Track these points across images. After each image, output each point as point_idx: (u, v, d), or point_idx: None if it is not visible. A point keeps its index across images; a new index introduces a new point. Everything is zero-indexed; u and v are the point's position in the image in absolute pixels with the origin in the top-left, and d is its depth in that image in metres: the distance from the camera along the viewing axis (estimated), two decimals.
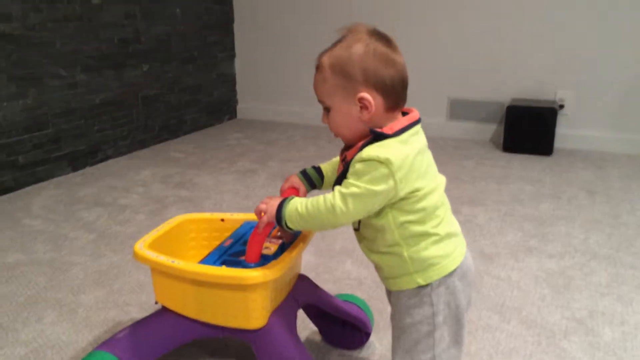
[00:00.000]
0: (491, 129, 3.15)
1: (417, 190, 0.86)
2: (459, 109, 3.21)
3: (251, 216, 1.20)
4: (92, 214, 2.07)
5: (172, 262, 1.01)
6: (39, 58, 2.40)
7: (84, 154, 2.67)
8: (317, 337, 1.31)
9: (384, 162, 0.82)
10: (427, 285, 0.89)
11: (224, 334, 1.05)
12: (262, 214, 0.94)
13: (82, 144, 2.65)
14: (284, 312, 1.04)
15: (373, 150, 0.84)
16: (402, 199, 0.86)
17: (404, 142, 0.87)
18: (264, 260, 1.00)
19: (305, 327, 1.32)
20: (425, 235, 0.88)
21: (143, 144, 3.03)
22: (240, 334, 1.03)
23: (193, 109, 3.40)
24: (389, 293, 0.97)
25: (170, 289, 1.06)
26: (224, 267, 1.02)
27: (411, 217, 0.88)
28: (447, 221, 0.91)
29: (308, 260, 1.68)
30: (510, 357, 1.22)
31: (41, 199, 2.24)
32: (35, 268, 1.65)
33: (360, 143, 0.88)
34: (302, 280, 1.15)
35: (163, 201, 2.21)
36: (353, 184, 0.85)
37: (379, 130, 0.87)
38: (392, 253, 0.90)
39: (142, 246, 1.06)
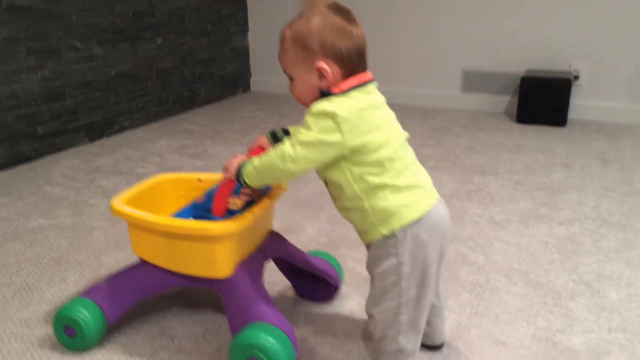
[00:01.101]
0: (505, 101, 3.14)
1: (368, 142, 0.92)
2: (473, 81, 3.20)
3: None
4: (110, 182, 2.13)
5: (145, 215, 1.08)
6: (56, 31, 2.43)
7: (100, 125, 2.71)
8: (290, 291, 1.37)
9: (330, 115, 0.89)
10: (392, 236, 0.94)
11: (194, 284, 1.12)
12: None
13: (98, 115, 2.70)
14: (250, 264, 1.11)
15: (321, 105, 0.91)
16: (355, 152, 0.92)
17: (351, 98, 0.93)
18: (229, 214, 1.09)
19: (279, 280, 1.38)
20: (383, 186, 0.93)
21: (158, 116, 3.07)
22: (209, 283, 1.10)
23: (207, 82, 3.43)
24: (366, 246, 1.03)
25: (144, 241, 1.12)
26: (191, 220, 1.09)
27: (367, 170, 0.93)
28: (407, 174, 0.95)
29: (285, 217, 1.72)
30: (517, 316, 1.26)
31: (61, 168, 2.30)
32: (58, 232, 1.71)
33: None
34: (273, 236, 1.21)
35: (178, 170, 2.26)
36: (302, 133, 0.92)
37: (328, 89, 0.94)
38: (356, 207, 0.96)
39: (118, 201, 1.13)
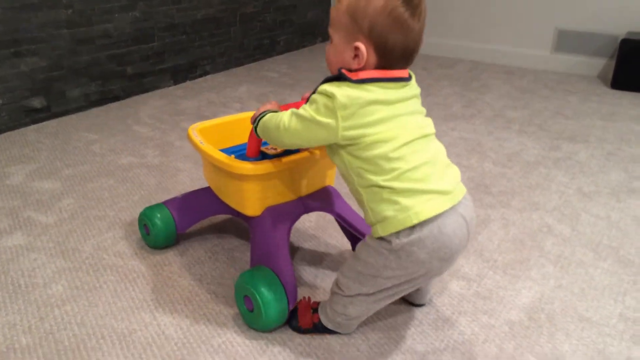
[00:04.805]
0: (600, 64, 2.94)
1: (363, 135, 0.87)
2: (566, 41, 3.01)
3: None
4: None
5: (201, 143, 1.16)
6: None
7: (184, 68, 2.77)
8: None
9: (330, 97, 0.87)
10: (387, 240, 0.89)
11: (237, 215, 1.21)
12: None
13: (183, 58, 2.75)
14: (282, 211, 1.13)
15: (327, 86, 0.88)
16: (350, 144, 0.89)
17: (361, 89, 0.87)
18: (262, 157, 1.12)
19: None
20: (379, 186, 0.88)
21: (238, 62, 3.10)
22: (244, 217, 1.18)
23: (287, 30, 3.41)
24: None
25: (205, 167, 1.25)
26: (232, 156, 1.11)
27: (362, 165, 0.89)
28: (410, 176, 0.88)
29: None
30: (604, 293, 1.21)
31: (147, 109, 2.38)
32: (146, 171, 1.79)
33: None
34: (323, 192, 1.21)
35: None
36: (303, 108, 0.91)
37: (345, 72, 0.89)
38: (358, 200, 0.94)
39: (194, 127, 1.24)
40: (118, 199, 1.61)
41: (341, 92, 0.86)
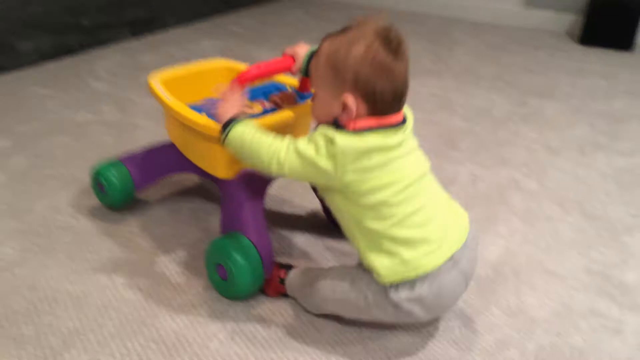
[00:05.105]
0: (568, 20, 2.92)
1: (362, 181, 0.82)
2: None
3: (283, 78, 1.20)
4: None
5: (166, 97, 1.07)
6: None
7: (144, 21, 2.64)
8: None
9: (331, 141, 0.81)
10: (386, 291, 0.85)
11: (205, 176, 1.14)
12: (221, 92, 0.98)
13: (142, 10, 2.62)
14: (256, 174, 1.05)
15: (327, 129, 0.83)
16: (349, 190, 0.84)
17: (361, 138, 0.82)
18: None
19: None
20: (380, 234, 0.84)
21: (202, 15, 2.97)
22: (213, 179, 1.11)
23: None
24: None
25: (170, 122, 1.15)
26: (203, 114, 1.02)
27: (363, 211, 0.84)
28: (411, 222, 0.84)
29: None
30: (569, 247, 1.21)
31: (105, 63, 2.26)
32: (103, 128, 1.70)
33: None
34: None
35: None
36: (303, 141, 0.85)
37: (341, 124, 0.84)
38: (355, 244, 0.89)
39: (157, 77, 1.14)
40: (73, 157, 1.53)
41: (341, 137, 0.81)
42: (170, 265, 1.12)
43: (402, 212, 0.83)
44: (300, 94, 1.11)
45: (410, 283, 0.84)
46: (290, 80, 1.18)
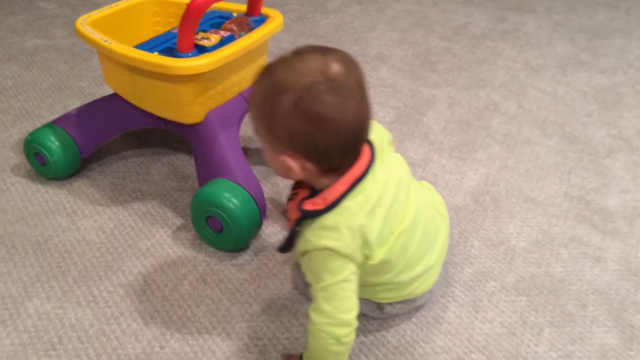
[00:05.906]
0: None
1: (368, 258, 0.70)
2: None
3: (226, 5, 1.08)
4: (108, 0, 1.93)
5: (106, 42, 0.92)
6: None
7: None
8: None
9: (336, 252, 0.66)
10: (380, 304, 0.82)
11: (164, 126, 1.02)
12: None
13: None
14: (226, 113, 0.98)
15: (314, 237, 0.67)
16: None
17: (342, 213, 0.67)
18: (198, 51, 0.90)
19: None
20: (381, 284, 0.77)
21: None
22: (178, 127, 0.99)
23: None
24: None
25: (112, 72, 0.99)
26: (155, 54, 0.91)
27: (362, 276, 0.72)
28: (411, 265, 0.77)
29: None
30: (549, 172, 1.18)
31: None
32: (56, 54, 1.58)
33: (305, 200, 0.69)
34: None
35: None
36: (315, 288, 0.69)
37: (309, 208, 0.67)
38: None
39: (84, 22, 0.98)
40: (24, 88, 1.41)
41: (330, 237, 0.66)
42: (135, 204, 1.06)
43: (404, 260, 0.75)
44: (253, 18, 1.02)
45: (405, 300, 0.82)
46: (234, 7, 1.07)
